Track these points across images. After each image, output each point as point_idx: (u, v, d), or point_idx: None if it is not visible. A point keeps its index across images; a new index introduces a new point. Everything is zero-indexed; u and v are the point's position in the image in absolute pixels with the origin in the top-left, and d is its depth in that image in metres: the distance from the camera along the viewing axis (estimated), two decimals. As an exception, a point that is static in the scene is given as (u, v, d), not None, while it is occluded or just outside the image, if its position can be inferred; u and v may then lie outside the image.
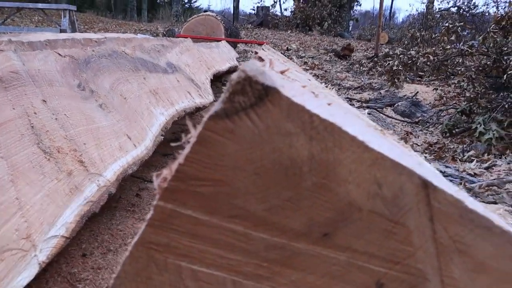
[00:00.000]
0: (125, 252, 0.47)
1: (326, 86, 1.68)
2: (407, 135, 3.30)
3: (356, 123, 0.53)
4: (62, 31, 7.28)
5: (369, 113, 3.41)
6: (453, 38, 3.59)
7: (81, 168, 1.06)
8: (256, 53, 0.92)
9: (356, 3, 20.72)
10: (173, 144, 0.47)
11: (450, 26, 3.61)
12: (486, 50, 3.35)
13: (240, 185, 0.42)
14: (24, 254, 0.74)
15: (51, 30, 7.42)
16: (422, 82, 5.33)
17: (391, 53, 6.71)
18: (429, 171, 0.47)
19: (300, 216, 0.43)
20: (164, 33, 8.91)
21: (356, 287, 0.46)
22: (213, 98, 3.00)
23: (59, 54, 1.41)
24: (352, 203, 0.43)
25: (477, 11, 16.63)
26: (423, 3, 21.55)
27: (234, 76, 0.41)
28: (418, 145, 3.14)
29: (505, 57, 3.15)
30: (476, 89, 3.25)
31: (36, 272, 0.75)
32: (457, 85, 4.19)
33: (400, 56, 3.77)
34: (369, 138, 0.42)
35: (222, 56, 5.35)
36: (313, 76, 6.22)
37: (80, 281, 1.00)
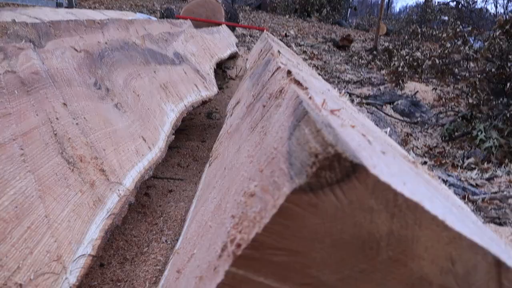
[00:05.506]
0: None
1: (338, 92, 1.66)
2: (407, 137, 3.32)
3: (431, 193, 0.52)
4: (58, 4, 7.09)
5: (370, 113, 3.40)
6: (459, 42, 3.57)
7: (103, 177, 1.04)
8: (289, 72, 0.91)
9: (356, -9, 20.45)
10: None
11: (458, 30, 3.60)
12: (491, 56, 3.35)
13: (316, 255, 0.42)
14: (56, 278, 0.72)
15: (48, 3, 7.22)
16: (421, 81, 5.33)
17: (390, 47, 6.69)
18: (499, 245, 0.47)
19: (371, 287, 0.43)
20: (163, 12, 8.72)
21: None
22: (217, 90, 2.96)
23: (75, 49, 1.36)
24: (424, 277, 0.43)
25: (476, 7, 16.67)
26: (423, -5, 21.46)
27: (321, 149, 0.40)
28: (418, 148, 3.15)
29: (509, 64, 3.16)
30: (479, 95, 3.26)
31: (66, 295, 0.73)
32: (456, 86, 4.20)
33: (406, 57, 3.74)
34: (449, 217, 0.42)
35: (223, 42, 5.29)
36: (312, 67, 6.17)
37: (101, 294, 0.99)
